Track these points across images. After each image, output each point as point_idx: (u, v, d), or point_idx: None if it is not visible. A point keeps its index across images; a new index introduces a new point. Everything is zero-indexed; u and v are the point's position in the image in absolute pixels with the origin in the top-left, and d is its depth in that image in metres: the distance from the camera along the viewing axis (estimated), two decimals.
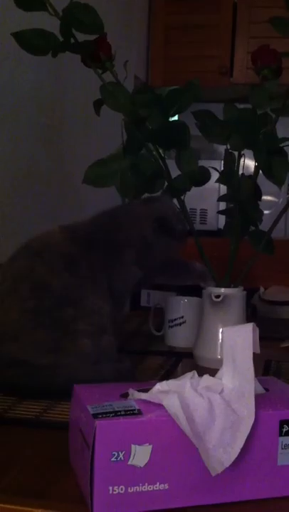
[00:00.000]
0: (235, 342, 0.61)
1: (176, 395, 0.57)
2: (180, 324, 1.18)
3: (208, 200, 2.28)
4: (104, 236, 0.98)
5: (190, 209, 1.11)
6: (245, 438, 0.56)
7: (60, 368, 0.86)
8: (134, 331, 1.33)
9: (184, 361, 1.09)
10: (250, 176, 1.06)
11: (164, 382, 0.60)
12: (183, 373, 0.63)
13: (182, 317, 1.18)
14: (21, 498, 0.58)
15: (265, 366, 1.07)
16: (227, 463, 0.55)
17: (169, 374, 1.01)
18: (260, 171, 1.04)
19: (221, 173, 1.06)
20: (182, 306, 1.19)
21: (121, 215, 1.04)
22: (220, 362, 0.62)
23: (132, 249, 0.99)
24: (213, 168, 1.08)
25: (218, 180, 1.06)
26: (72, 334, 0.88)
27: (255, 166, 1.04)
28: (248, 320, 1.08)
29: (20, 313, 0.87)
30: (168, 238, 1.03)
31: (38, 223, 0.99)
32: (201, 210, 2.47)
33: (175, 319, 1.18)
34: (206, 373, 0.62)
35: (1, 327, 0.88)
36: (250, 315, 1.11)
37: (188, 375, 0.61)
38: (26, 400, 0.83)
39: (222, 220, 2.40)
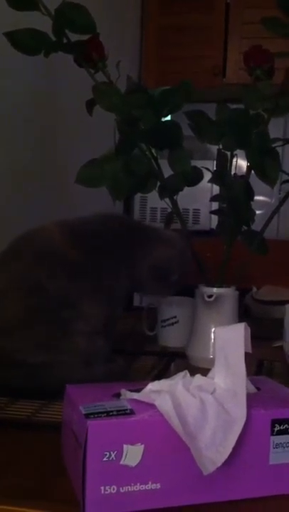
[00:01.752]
0: (227, 342, 0.61)
1: (168, 394, 0.57)
2: (173, 324, 1.18)
3: (200, 200, 2.28)
4: (109, 241, 0.97)
5: (183, 209, 1.11)
6: (237, 437, 0.56)
7: (54, 367, 0.86)
8: (128, 331, 1.33)
9: (176, 361, 1.09)
10: (242, 176, 1.06)
11: (156, 381, 0.60)
12: (175, 373, 0.63)
13: (175, 317, 1.18)
14: (18, 499, 0.58)
15: (257, 366, 1.08)
16: (219, 462, 0.55)
17: (162, 374, 1.01)
18: (253, 171, 1.04)
19: (214, 173, 1.06)
20: (175, 306, 1.19)
21: (137, 235, 1.02)
22: (212, 361, 0.62)
23: (129, 273, 0.99)
24: (205, 168, 1.08)
25: (211, 181, 1.06)
26: (67, 333, 0.88)
27: (248, 166, 1.04)
28: (240, 320, 1.08)
29: (16, 311, 0.87)
30: (160, 285, 1.03)
31: (34, 224, 0.98)
32: (193, 210, 2.48)
33: (168, 319, 1.19)
34: (198, 373, 0.62)
35: None
36: (243, 315, 1.11)
37: (180, 374, 0.61)
38: (19, 400, 0.83)
39: (215, 219, 2.40)
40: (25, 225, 0.97)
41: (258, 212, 1.08)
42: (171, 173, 1.06)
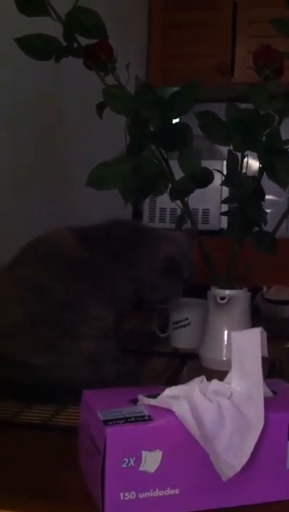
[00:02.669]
0: (243, 346, 0.61)
1: (185, 399, 0.57)
2: (185, 326, 1.18)
3: (210, 200, 2.28)
4: (117, 246, 0.98)
5: (192, 209, 1.11)
6: (255, 442, 0.56)
7: (61, 368, 0.86)
8: (137, 330, 1.33)
9: (189, 363, 1.09)
10: (253, 177, 1.06)
11: (173, 387, 0.61)
12: (188, 375, 0.63)
13: (187, 319, 1.18)
14: (25, 499, 0.59)
15: (269, 367, 1.08)
16: (237, 467, 0.55)
17: (175, 376, 1.01)
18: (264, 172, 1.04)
19: (226, 176, 1.05)
20: (186, 308, 1.19)
21: (141, 235, 1.04)
22: (225, 363, 0.63)
23: (136, 272, 0.99)
24: (217, 170, 1.08)
25: (223, 184, 1.06)
26: (73, 336, 0.88)
27: (260, 167, 1.04)
28: (251, 320, 1.08)
29: (22, 316, 0.88)
30: (172, 281, 1.02)
31: (39, 226, 0.99)
32: (203, 209, 2.47)
33: (180, 321, 1.18)
34: (211, 374, 0.62)
35: (3, 328, 0.88)
36: (254, 315, 1.11)
37: (197, 379, 0.61)
38: (34, 405, 0.84)
39: (224, 219, 2.39)
40: (28, 227, 0.98)
41: (267, 210, 1.08)
42: (182, 174, 1.06)
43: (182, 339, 1.19)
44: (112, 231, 1.01)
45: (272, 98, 1.04)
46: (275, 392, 0.65)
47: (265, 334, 0.61)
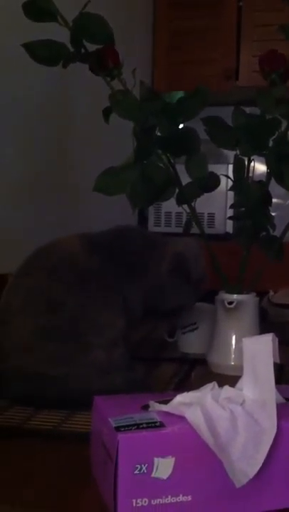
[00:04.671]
0: (255, 353, 0.61)
1: (198, 407, 0.57)
2: (193, 330, 1.18)
3: (215, 204, 2.28)
4: (125, 255, 0.98)
5: (198, 213, 1.11)
6: (268, 449, 0.56)
7: (73, 378, 0.86)
8: (146, 336, 1.33)
9: (197, 368, 1.08)
10: (261, 182, 1.06)
11: (185, 393, 0.60)
12: (197, 380, 0.63)
13: (195, 323, 1.18)
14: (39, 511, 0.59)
15: (277, 372, 1.07)
16: (251, 474, 0.55)
17: (183, 382, 1.01)
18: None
19: (234, 181, 1.05)
20: (194, 313, 1.18)
21: (149, 242, 1.03)
22: (234, 368, 0.63)
23: (145, 281, 0.99)
24: (224, 175, 1.07)
25: (231, 189, 1.06)
26: (84, 346, 0.88)
27: (268, 172, 1.04)
28: (259, 325, 1.08)
29: (33, 328, 0.88)
30: (182, 282, 1.00)
31: (44, 234, 0.99)
32: (208, 214, 2.47)
33: (188, 326, 1.18)
34: (220, 379, 0.62)
35: (14, 341, 0.89)
36: (260, 319, 1.10)
37: (209, 386, 0.61)
38: (43, 411, 0.84)
39: (230, 223, 2.39)
40: (35, 235, 0.98)
41: (272, 213, 1.08)
42: (187, 177, 1.06)
43: (190, 344, 1.19)
44: (120, 239, 1.01)
45: (279, 102, 1.04)
46: (287, 399, 0.65)
47: (276, 340, 0.61)
